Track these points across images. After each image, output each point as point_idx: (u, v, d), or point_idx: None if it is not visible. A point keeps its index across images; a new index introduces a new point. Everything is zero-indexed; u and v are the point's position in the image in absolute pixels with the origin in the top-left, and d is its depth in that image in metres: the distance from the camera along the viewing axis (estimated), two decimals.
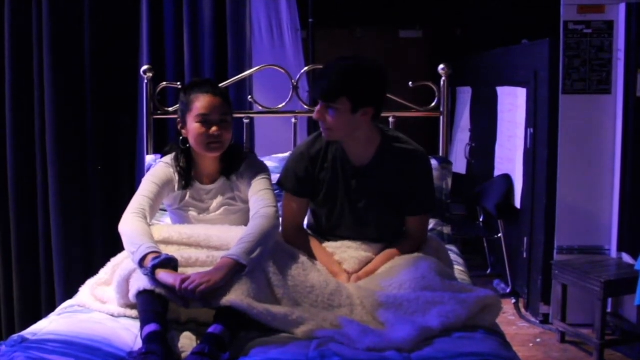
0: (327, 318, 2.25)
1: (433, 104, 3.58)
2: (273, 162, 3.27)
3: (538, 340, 4.29)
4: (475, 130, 6.08)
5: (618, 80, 4.25)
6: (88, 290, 2.51)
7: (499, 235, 5.28)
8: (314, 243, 2.67)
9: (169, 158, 2.75)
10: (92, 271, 2.63)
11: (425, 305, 2.28)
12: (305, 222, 2.83)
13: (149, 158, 3.48)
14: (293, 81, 3.58)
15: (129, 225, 2.46)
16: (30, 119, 3.85)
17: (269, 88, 4.18)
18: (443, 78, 3.53)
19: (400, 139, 2.67)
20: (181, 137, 2.70)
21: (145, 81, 3.56)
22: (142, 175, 2.91)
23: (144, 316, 2.17)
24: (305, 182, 2.67)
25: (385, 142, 2.64)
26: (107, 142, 3.92)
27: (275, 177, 2.76)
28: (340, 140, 2.62)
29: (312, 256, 2.60)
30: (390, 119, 3.53)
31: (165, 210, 2.96)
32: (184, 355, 2.08)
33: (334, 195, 2.67)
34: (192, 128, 2.62)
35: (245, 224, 2.54)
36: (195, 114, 2.60)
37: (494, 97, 5.49)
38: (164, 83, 3.62)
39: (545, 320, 4.54)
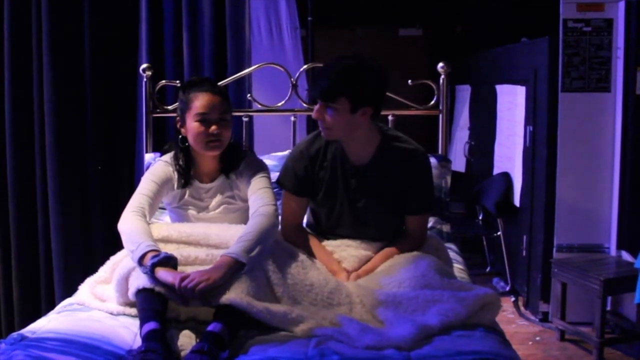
0: (327, 316, 2.25)
1: (432, 102, 3.58)
2: (272, 160, 3.27)
3: (537, 338, 4.29)
4: (475, 129, 6.08)
5: (617, 78, 4.25)
6: (87, 289, 2.51)
7: (499, 233, 5.28)
8: (313, 241, 2.68)
9: (168, 156, 2.75)
10: (92, 269, 2.63)
11: (425, 304, 2.28)
12: (305, 220, 2.83)
13: (148, 156, 3.48)
14: (292, 79, 3.58)
15: (128, 223, 2.47)
16: (30, 118, 3.85)
17: (268, 86, 4.18)
18: (442, 76, 3.53)
19: (399, 138, 2.67)
20: (180, 136, 2.70)
21: (145, 80, 3.56)
22: (142, 174, 2.91)
23: (143, 314, 2.17)
24: (304, 181, 2.67)
25: (384, 141, 2.64)
26: (106, 141, 3.93)
27: (274, 176, 2.76)
28: (339, 140, 2.62)
29: (311, 254, 2.61)
30: (390, 117, 3.53)
31: (164, 209, 2.96)
32: (183, 353, 2.08)
33: (333, 194, 2.67)
34: (192, 127, 2.62)
35: (245, 223, 2.54)
36: (194, 113, 2.60)
37: (493, 96, 5.49)
38: (163, 81, 3.62)
39: (544, 318, 4.54)
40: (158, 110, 3.61)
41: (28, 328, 2.23)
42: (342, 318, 2.24)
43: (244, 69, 3.75)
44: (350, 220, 2.68)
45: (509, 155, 5.19)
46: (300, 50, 4.95)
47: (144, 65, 3.57)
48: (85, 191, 3.91)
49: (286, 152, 3.27)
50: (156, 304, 2.19)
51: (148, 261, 2.25)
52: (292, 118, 3.64)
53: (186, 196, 2.73)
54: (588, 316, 4.18)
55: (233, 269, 2.23)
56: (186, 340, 2.16)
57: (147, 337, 2.07)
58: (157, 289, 2.20)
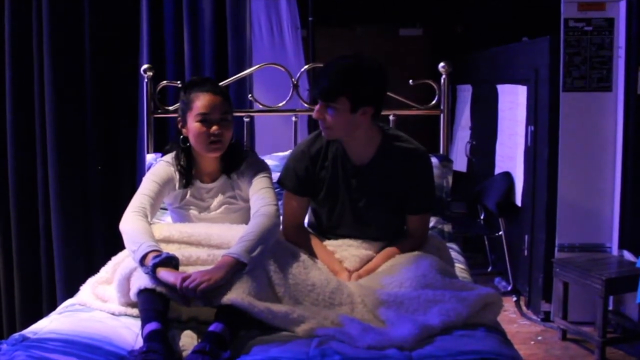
0: (328, 316, 2.25)
1: (433, 102, 3.58)
2: (273, 160, 3.27)
3: (539, 338, 4.29)
4: (476, 128, 6.08)
5: (619, 78, 4.25)
6: (89, 289, 2.51)
7: (500, 233, 5.28)
8: (314, 241, 2.67)
9: (169, 157, 2.75)
10: (93, 270, 2.63)
11: (426, 304, 2.28)
12: (306, 220, 2.83)
13: (150, 157, 3.48)
14: (293, 79, 3.58)
15: (130, 224, 2.46)
16: (31, 118, 3.86)
17: (269, 87, 4.18)
18: (443, 76, 3.53)
19: (400, 137, 2.66)
20: (181, 136, 2.70)
21: (146, 80, 3.56)
22: (143, 174, 2.91)
23: (145, 315, 2.17)
24: (305, 181, 2.67)
25: (385, 141, 2.63)
26: (107, 141, 3.93)
27: (275, 176, 2.76)
28: (340, 139, 2.62)
29: (312, 254, 2.60)
30: (391, 117, 3.53)
31: (165, 209, 2.96)
32: (184, 353, 2.08)
33: (334, 194, 2.67)
34: (193, 127, 2.62)
35: (246, 223, 2.54)
36: (195, 113, 2.60)
37: (495, 95, 5.49)
38: (164, 82, 3.62)
39: (546, 318, 4.53)
40: (159, 110, 3.61)
41: (30, 329, 2.23)
42: (344, 318, 2.24)
43: (245, 69, 3.75)
44: (351, 220, 2.68)
45: (510, 154, 5.19)
46: (301, 50, 4.95)
47: (145, 66, 3.57)
48: (87, 191, 3.91)
49: (287, 152, 3.27)
50: (158, 304, 2.19)
51: (149, 261, 2.25)
52: (293, 118, 3.64)
53: (187, 196, 2.73)
54: (590, 316, 4.18)
55: (234, 269, 2.23)
56: (188, 340, 2.16)
57: (148, 338, 2.07)
58: (159, 289, 2.20)
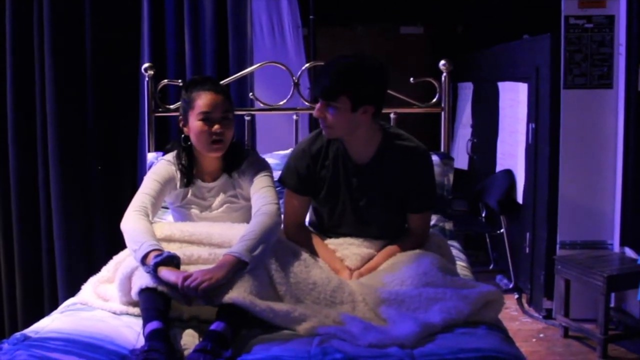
0: (330, 315, 2.25)
1: (434, 100, 3.58)
2: (274, 159, 3.27)
3: (541, 335, 4.29)
4: (477, 126, 6.07)
5: (619, 75, 4.25)
6: (90, 288, 2.51)
7: (501, 230, 5.28)
8: (315, 240, 2.67)
9: (170, 156, 2.75)
10: (95, 269, 2.63)
11: (428, 302, 2.28)
12: (307, 219, 2.83)
13: (151, 156, 3.49)
14: (294, 78, 3.58)
15: (131, 223, 2.47)
16: (32, 118, 3.86)
17: (270, 85, 4.18)
18: (444, 74, 3.53)
19: (401, 136, 2.66)
20: (183, 135, 2.70)
21: (147, 79, 3.56)
22: (144, 173, 2.92)
23: (146, 314, 2.17)
24: (306, 180, 2.67)
25: (386, 139, 2.63)
26: (108, 140, 3.92)
27: (276, 175, 2.76)
28: (341, 138, 2.62)
29: (314, 253, 2.60)
30: (392, 116, 3.53)
31: (167, 208, 2.96)
32: (186, 352, 2.08)
33: (335, 193, 2.67)
34: (195, 126, 2.62)
35: (247, 222, 2.54)
36: (197, 112, 2.60)
37: (496, 93, 5.49)
38: (165, 81, 3.62)
39: (548, 315, 4.54)
40: (160, 109, 3.61)
41: (31, 328, 2.23)
42: (345, 316, 2.24)
43: (246, 67, 3.75)
44: (352, 219, 2.68)
45: (512, 152, 5.19)
46: (302, 48, 4.95)
47: (146, 65, 3.57)
48: (88, 191, 3.91)
49: (288, 151, 3.27)
50: (159, 304, 2.19)
51: (151, 260, 2.25)
52: (295, 117, 3.64)
53: (189, 195, 2.73)
54: (592, 313, 4.18)
55: (236, 268, 2.23)
56: (189, 339, 2.16)
57: (150, 337, 2.07)
58: (160, 288, 2.21)
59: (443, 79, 3.54)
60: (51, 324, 2.24)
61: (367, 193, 2.64)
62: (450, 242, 2.98)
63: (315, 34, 5.29)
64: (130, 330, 2.23)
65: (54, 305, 3.49)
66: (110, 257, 2.59)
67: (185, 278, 2.16)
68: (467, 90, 6.27)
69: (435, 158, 3.12)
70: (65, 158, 3.82)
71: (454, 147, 6.32)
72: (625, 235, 4.27)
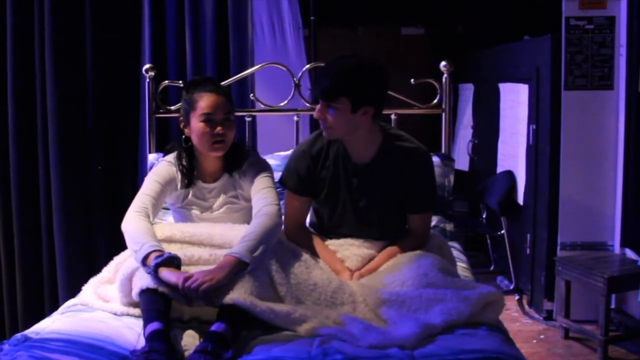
0: (330, 316, 2.25)
1: (435, 101, 3.58)
2: (275, 160, 3.27)
3: (542, 336, 4.28)
4: (478, 127, 6.07)
5: (620, 76, 4.24)
6: (91, 289, 2.51)
7: (502, 231, 5.28)
8: (316, 241, 2.67)
9: (171, 156, 2.75)
10: (95, 270, 2.64)
11: (428, 303, 2.28)
12: (308, 220, 2.83)
13: (151, 157, 3.49)
14: (295, 79, 3.58)
15: (132, 224, 2.47)
16: (33, 118, 3.86)
17: (271, 86, 4.18)
18: (445, 75, 3.53)
19: (401, 137, 2.66)
20: (183, 136, 2.70)
21: (147, 80, 3.56)
22: (145, 174, 2.92)
23: (147, 315, 2.17)
24: (306, 181, 2.67)
25: (386, 140, 2.63)
26: (109, 141, 3.92)
27: (277, 175, 2.76)
28: (341, 139, 2.62)
29: (314, 254, 2.60)
30: (392, 117, 3.53)
31: (167, 209, 2.96)
32: (187, 353, 2.08)
33: (335, 194, 2.67)
34: (196, 127, 2.62)
35: (248, 222, 2.54)
36: (199, 113, 2.60)
37: (496, 94, 5.49)
38: (166, 82, 3.62)
39: (548, 316, 4.53)
40: (161, 110, 3.61)
41: (32, 329, 2.23)
42: (346, 317, 2.24)
43: (247, 68, 3.76)
44: (352, 220, 2.68)
45: (512, 153, 5.18)
46: (303, 49, 4.95)
47: (147, 66, 3.57)
48: (88, 191, 3.90)
49: (289, 152, 3.26)
50: (160, 304, 2.20)
51: (152, 261, 2.25)
52: (295, 118, 3.64)
53: (190, 196, 2.73)
54: (592, 314, 4.18)
55: (236, 269, 2.23)
56: (190, 340, 2.17)
57: (150, 337, 2.07)
58: (161, 289, 2.21)
59: (444, 80, 3.54)
60: (52, 325, 2.25)
61: (367, 194, 2.64)
62: (450, 243, 2.98)
63: (315, 34, 5.29)
64: (131, 331, 2.23)
65: (54, 306, 3.49)
66: (110, 258, 2.60)
67: (186, 279, 2.17)
68: (467, 91, 6.27)
69: (435, 159, 3.12)
70: (65, 158, 3.82)
71: (455, 148, 6.32)
72: (626, 237, 4.26)
